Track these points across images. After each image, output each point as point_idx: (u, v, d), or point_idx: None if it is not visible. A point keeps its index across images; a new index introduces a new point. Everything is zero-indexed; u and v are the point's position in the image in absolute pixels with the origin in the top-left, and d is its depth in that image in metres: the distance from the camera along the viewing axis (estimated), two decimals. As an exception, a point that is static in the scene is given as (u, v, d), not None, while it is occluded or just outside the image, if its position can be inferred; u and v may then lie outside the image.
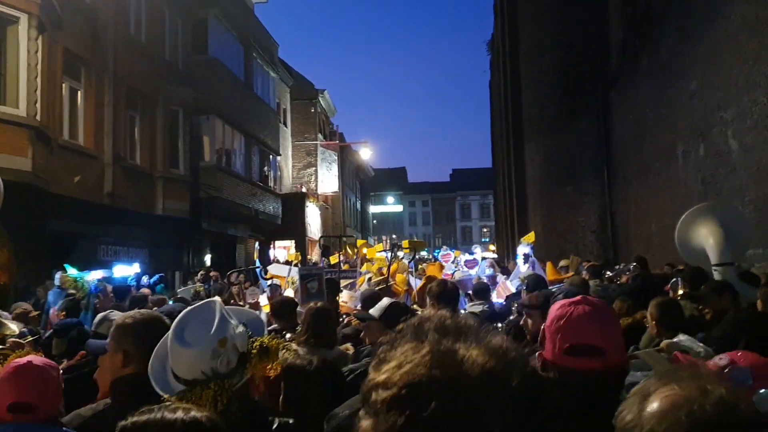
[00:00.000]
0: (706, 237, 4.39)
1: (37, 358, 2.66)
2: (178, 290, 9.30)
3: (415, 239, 13.81)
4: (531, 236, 11.59)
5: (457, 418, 0.78)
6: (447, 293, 4.64)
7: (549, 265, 10.39)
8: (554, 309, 1.97)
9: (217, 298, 2.63)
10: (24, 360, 2.61)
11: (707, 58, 10.53)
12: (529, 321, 3.96)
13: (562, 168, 19.75)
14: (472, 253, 14.98)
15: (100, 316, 4.21)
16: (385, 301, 4.06)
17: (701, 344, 2.40)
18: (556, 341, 1.88)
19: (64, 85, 14.89)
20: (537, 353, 1.94)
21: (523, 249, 10.83)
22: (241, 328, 2.31)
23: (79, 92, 15.70)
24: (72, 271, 9.48)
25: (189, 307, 2.44)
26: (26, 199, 12.15)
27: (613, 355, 1.84)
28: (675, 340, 2.48)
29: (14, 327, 4.68)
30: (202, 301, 2.51)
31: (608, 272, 10.11)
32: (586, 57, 18.78)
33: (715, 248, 4.27)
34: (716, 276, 4.42)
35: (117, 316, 3.43)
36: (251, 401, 2.35)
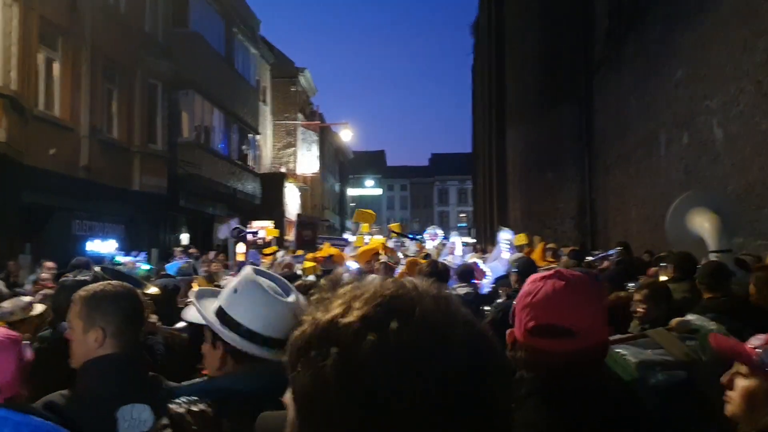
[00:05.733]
0: (701, 224, 4.36)
1: None
2: (167, 266, 9.06)
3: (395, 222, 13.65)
4: (522, 237, 11.14)
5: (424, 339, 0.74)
6: (437, 273, 4.58)
7: (539, 249, 10.26)
8: (526, 283, 1.79)
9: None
10: None
11: (695, 46, 10.53)
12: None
13: (543, 154, 19.81)
14: (446, 239, 14.80)
15: None
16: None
17: (713, 322, 2.36)
18: (522, 319, 1.70)
19: (39, 54, 14.47)
20: (508, 331, 1.76)
21: (506, 235, 10.49)
22: None
23: (54, 62, 15.29)
24: None
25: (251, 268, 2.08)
26: (-1, 170, 11.87)
27: (587, 335, 1.63)
28: (686, 318, 2.45)
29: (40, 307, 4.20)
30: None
31: (589, 257, 10.11)
32: (570, 43, 18.76)
33: (713, 235, 4.25)
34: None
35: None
36: None
